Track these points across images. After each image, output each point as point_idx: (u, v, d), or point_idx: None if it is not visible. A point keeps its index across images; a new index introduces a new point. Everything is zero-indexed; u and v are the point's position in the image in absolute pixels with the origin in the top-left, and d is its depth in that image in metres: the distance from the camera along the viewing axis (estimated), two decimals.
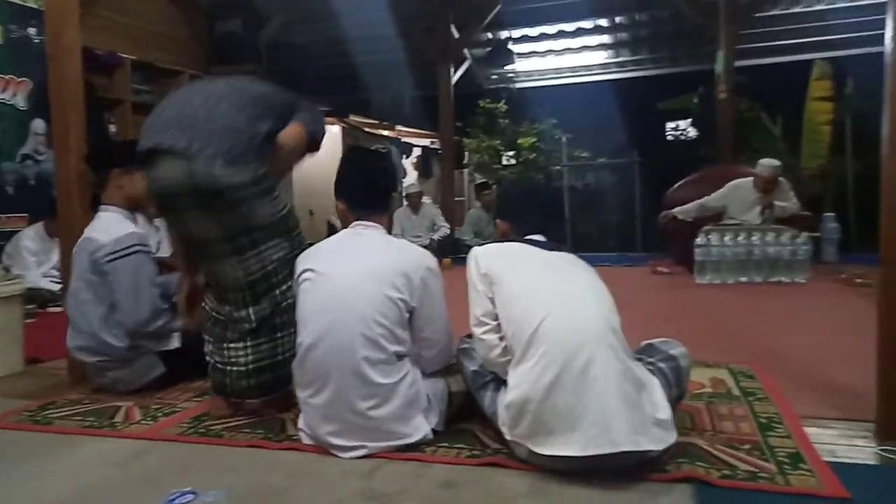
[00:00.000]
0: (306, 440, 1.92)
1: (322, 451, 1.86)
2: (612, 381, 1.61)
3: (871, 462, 1.75)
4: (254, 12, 7.15)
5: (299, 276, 1.96)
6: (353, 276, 1.87)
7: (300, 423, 1.96)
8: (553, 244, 1.93)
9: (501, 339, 1.81)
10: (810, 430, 1.92)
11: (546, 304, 1.72)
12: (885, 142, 1.81)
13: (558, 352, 1.64)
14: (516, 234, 1.99)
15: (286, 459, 1.84)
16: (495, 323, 1.82)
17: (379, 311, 1.82)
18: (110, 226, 2.46)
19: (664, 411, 1.68)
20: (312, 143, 2.23)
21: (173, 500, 1.57)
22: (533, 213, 2.01)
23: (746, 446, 1.81)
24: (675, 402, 1.84)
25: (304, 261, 1.99)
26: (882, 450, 1.79)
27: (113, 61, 5.87)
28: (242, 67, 7.12)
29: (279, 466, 1.79)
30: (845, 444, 1.84)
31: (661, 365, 1.84)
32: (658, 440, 1.63)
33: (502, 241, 1.98)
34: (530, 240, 1.93)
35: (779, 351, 2.86)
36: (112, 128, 5.88)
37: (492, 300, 1.82)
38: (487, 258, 1.87)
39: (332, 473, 1.74)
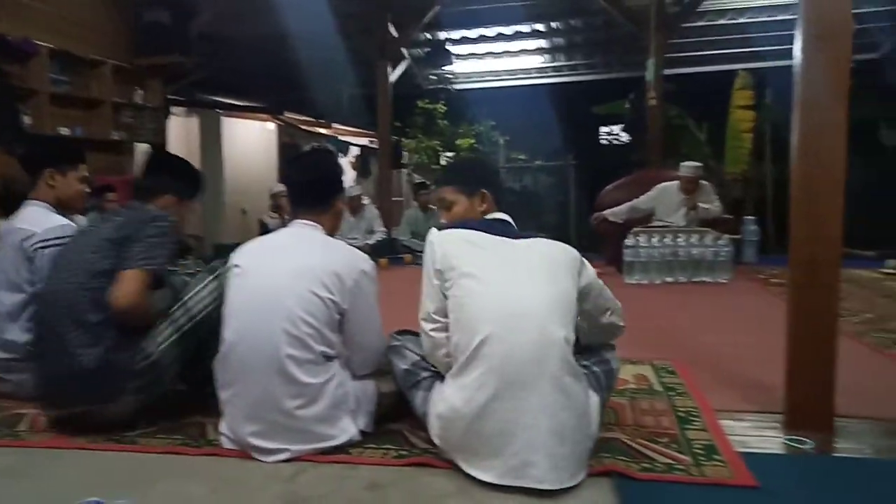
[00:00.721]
0: (228, 444, 1.86)
1: (244, 455, 1.80)
2: (546, 414, 1.55)
3: (779, 451, 1.84)
4: (183, 2, 6.89)
5: (228, 270, 1.93)
6: (281, 273, 1.83)
7: (221, 427, 1.89)
8: (517, 231, 1.82)
9: (449, 338, 1.74)
10: (725, 423, 2.00)
11: (490, 322, 1.62)
12: (794, 150, 1.90)
13: (495, 377, 1.58)
14: (494, 205, 1.92)
15: (205, 466, 1.77)
16: (446, 321, 1.74)
17: (306, 310, 1.78)
18: (40, 217, 2.39)
19: (591, 438, 1.66)
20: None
21: None
22: (501, 187, 1.99)
23: (665, 439, 1.87)
24: (604, 403, 1.87)
25: (236, 256, 1.94)
26: (788, 440, 1.89)
27: (27, 49, 5.52)
28: (169, 59, 6.85)
29: (197, 473, 1.72)
30: (756, 436, 1.93)
31: (595, 368, 1.85)
32: (576, 476, 1.59)
33: (463, 225, 1.82)
34: (499, 221, 1.83)
35: (699, 348, 2.98)
36: (27, 119, 5.54)
37: (446, 295, 1.73)
38: (444, 250, 1.75)
39: (254, 479, 1.68)
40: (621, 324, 1.91)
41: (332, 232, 2.02)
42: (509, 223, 1.85)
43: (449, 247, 1.76)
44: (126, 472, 1.74)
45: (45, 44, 5.68)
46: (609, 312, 1.86)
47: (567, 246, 1.79)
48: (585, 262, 1.78)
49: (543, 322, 1.61)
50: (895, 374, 2.55)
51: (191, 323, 2.01)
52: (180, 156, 2.40)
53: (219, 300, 1.98)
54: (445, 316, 1.75)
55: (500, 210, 1.92)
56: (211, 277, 2.07)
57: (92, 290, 1.95)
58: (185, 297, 2.04)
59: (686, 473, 1.66)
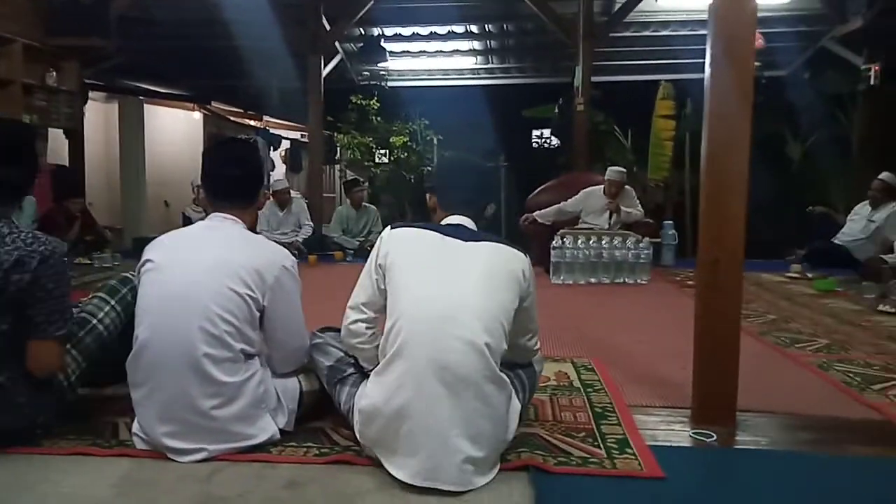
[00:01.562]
0: (140, 445, 1.79)
1: (158, 456, 1.75)
2: (464, 420, 1.57)
3: (685, 444, 1.94)
4: None
5: (141, 266, 1.85)
6: (197, 269, 1.77)
7: (134, 427, 1.82)
8: (467, 232, 1.78)
9: (369, 329, 1.79)
10: (637, 418, 2.10)
11: (417, 321, 1.63)
12: (703, 159, 2.02)
13: (415, 377, 1.59)
14: (443, 209, 1.88)
15: (116, 466, 1.70)
16: (372, 315, 1.78)
17: (224, 307, 1.74)
18: None
19: (506, 442, 1.69)
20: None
21: None
22: (458, 190, 1.90)
23: (582, 434, 1.94)
24: (526, 404, 1.91)
25: (149, 250, 1.86)
26: (695, 433, 2.00)
27: None
28: (86, 41, 6.49)
29: (106, 474, 1.65)
30: (665, 430, 2.03)
31: (520, 371, 1.87)
32: (487, 475, 1.62)
33: (417, 225, 1.80)
34: (449, 226, 1.80)
35: (617, 346, 3.10)
36: None
37: (384, 291, 1.74)
38: (389, 247, 1.75)
39: (167, 480, 1.63)
40: (537, 348, 1.92)
41: (251, 225, 1.97)
42: (462, 226, 1.80)
43: (394, 244, 1.76)
44: (28, 474, 1.65)
45: None
46: (530, 336, 1.86)
47: (520, 255, 1.76)
48: (531, 277, 1.75)
49: (470, 327, 1.60)
50: (793, 372, 2.73)
51: (99, 349, 1.93)
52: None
53: (125, 321, 1.91)
54: (374, 310, 1.77)
55: (458, 212, 1.85)
56: (113, 302, 1.97)
57: None
58: (92, 324, 1.92)
59: (599, 466, 1.73)
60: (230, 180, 1.93)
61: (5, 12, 6.05)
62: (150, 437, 1.76)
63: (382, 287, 1.74)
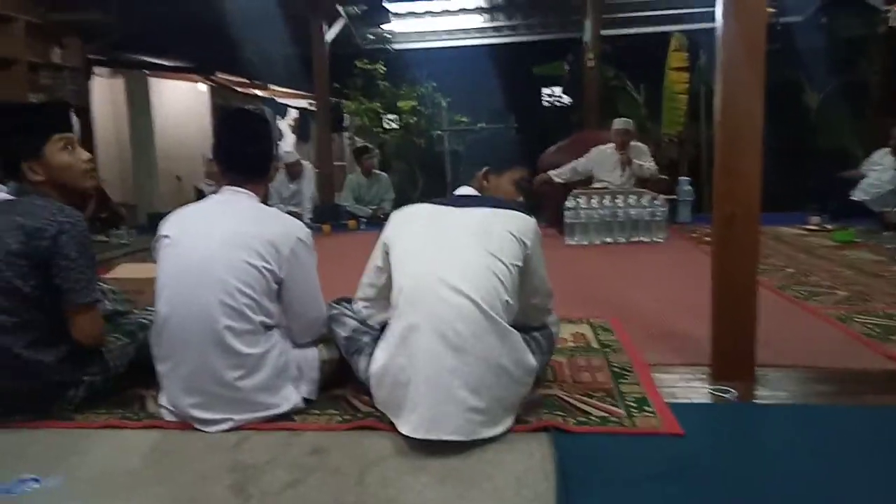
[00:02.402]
0: (168, 417, 1.83)
1: (186, 426, 1.79)
2: (462, 368, 1.60)
3: (705, 401, 1.95)
4: None
5: (156, 242, 1.87)
6: (212, 242, 1.78)
7: (161, 400, 1.86)
8: (470, 199, 1.88)
9: (374, 308, 1.95)
10: (656, 376, 2.11)
11: (409, 278, 1.72)
12: (716, 111, 1.97)
13: (412, 335, 1.64)
14: (459, 181, 1.99)
15: (145, 438, 1.75)
16: (372, 293, 1.93)
17: (242, 280, 1.75)
18: None
19: (517, 393, 1.70)
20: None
21: (9, 488, 1.45)
22: (466, 162, 2.02)
23: (601, 394, 1.96)
24: (544, 365, 1.96)
25: (164, 226, 1.88)
26: (714, 390, 2.00)
27: None
28: (87, 16, 6.42)
29: (137, 445, 1.70)
30: (684, 387, 2.04)
31: (536, 334, 1.91)
32: (498, 425, 1.65)
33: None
34: (453, 196, 1.93)
35: (634, 305, 3.10)
36: None
37: (385, 269, 1.85)
38: (391, 225, 1.88)
39: (196, 449, 1.67)
40: (549, 307, 1.97)
41: (263, 199, 1.97)
42: (465, 195, 1.93)
43: (395, 221, 1.89)
44: (62, 448, 1.69)
45: None
46: (540, 297, 1.90)
47: (520, 215, 1.81)
48: (535, 237, 1.80)
49: (461, 283, 1.65)
50: (812, 326, 2.72)
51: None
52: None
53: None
54: (375, 295, 1.92)
55: (464, 183, 1.98)
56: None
57: (19, 315, 1.78)
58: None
59: (619, 425, 1.74)
60: (245, 155, 1.92)
61: None
62: (177, 408, 1.80)
63: (381, 265, 1.87)
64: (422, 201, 1.94)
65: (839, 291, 3.23)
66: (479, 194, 1.93)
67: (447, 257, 1.71)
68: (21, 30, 5.97)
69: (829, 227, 5.26)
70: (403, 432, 1.64)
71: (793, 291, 3.26)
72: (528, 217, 1.82)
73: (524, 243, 1.76)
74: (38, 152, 1.86)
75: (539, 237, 1.83)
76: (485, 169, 1.97)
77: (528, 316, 1.88)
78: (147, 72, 8.88)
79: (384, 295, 1.87)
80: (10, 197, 1.87)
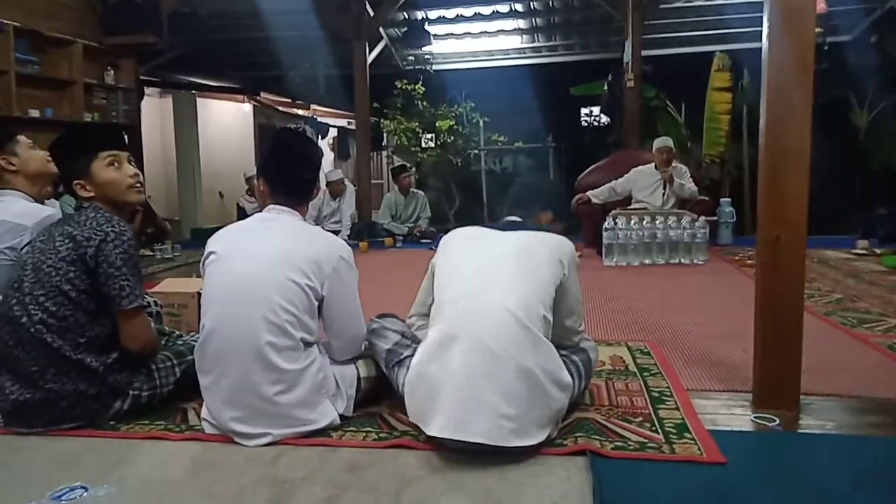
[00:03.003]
0: (209, 430, 1.87)
1: (226, 440, 1.83)
2: (494, 374, 1.63)
3: (747, 429, 1.90)
4: None
5: (206, 258, 1.92)
6: (258, 259, 1.83)
7: (203, 413, 1.91)
8: (512, 224, 2.01)
9: (417, 323, 2.07)
10: (696, 402, 2.06)
11: (455, 287, 1.80)
12: (762, 134, 1.94)
13: (449, 338, 1.70)
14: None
15: (187, 450, 1.79)
16: (423, 311, 2.02)
17: (285, 297, 1.79)
18: (11, 207, 2.38)
19: (550, 407, 1.70)
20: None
21: (60, 495, 1.50)
22: (508, 200, 2.17)
23: (639, 419, 1.92)
24: (581, 392, 1.97)
25: (212, 243, 1.94)
26: (756, 417, 1.95)
27: None
28: (140, 39, 6.70)
29: (179, 457, 1.74)
30: (725, 414, 1.99)
31: (574, 357, 1.93)
32: (530, 437, 1.65)
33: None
34: (503, 221, 2.06)
35: (673, 329, 3.04)
36: None
37: (429, 288, 1.96)
38: (443, 244, 1.98)
39: (235, 462, 1.71)
40: (581, 329, 2.03)
41: (304, 216, 2.03)
42: (508, 220, 2.07)
43: (443, 245, 1.98)
44: (108, 457, 1.75)
45: (10, 22, 5.52)
46: (575, 317, 1.97)
47: (559, 238, 1.93)
48: (571, 260, 1.88)
49: (502, 296, 1.73)
50: (859, 353, 2.62)
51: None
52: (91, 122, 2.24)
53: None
54: (428, 310, 1.95)
55: (509, 213, 2.15)
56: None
57: (51, 315, 1.86)
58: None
59: (658, 451, 1.71)
60: (296, 178, 1.98)
61: (65, 15, 6.31)
62: (217, 421, 1.84)
63: (429, 284, 1.96)
64: (458, 219, 2.11)
65: (889, 318, 3.12)
66: (521, 220, 2.05)
67: (488, 272, 1.80)
68: (79, 53, 6.26)
69: (877, 251, 5.09)
70: (430, 433, 1.66)
71: (840, 317, 3.16)
72: (565, 240, 1.92)
73: (562, 263, 1.85)
74: (86, 170, 1.98)
75: (576, 260, 1.92)
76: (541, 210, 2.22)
77: (561, 336, 1.94)
78: (195, 92, 9.18)
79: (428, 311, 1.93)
80: (55, 212, 2.09)
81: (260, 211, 2.02)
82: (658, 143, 5.64)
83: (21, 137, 2.48)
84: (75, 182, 1.99)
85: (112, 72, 6.81)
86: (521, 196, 2.19)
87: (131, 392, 1.95)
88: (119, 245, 1.89)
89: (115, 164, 2.01)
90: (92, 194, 1.99)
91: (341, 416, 1.91)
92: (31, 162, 2.45)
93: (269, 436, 1.79)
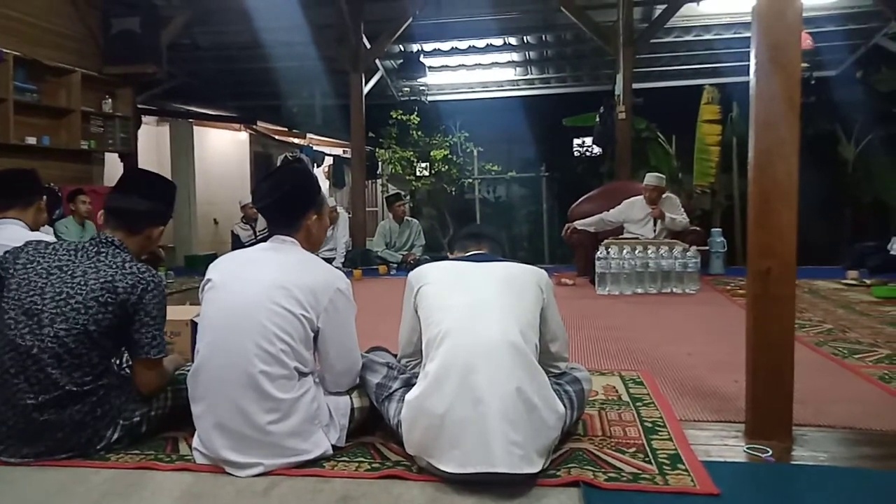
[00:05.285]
0: (200, 459, 1.85)
1: (217, 470, 1.80)
2: (498, 401, 1.64)
3: (740, 460, 1.90)
4: (153, 10, 6.83)
5: (204, 284, 1.93)
6: (254, 288, 1.83)
7: (194, 442, 1.89)
8: (484, 256, 2.01)
9: (410, 362, 2.05)
10: (689, 433, 2.06)
11: (449, 319, 1.79)
12: (751, 167, 1.98)
13: (448, 370, 1.70)
14: (460, 251, 2.10)
15: (178, 480, 1.77)
16: (411, 350, 2.01)
17: (280, 326, 1.79)
18: (18, 234, 2.47)
19: (547, 437, 1.71)
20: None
21: None
22: (466, 237, 2.14)
23: (632, 449, 1.92)
24: (574, 423, 1.97)
25: (211, 270, 1.95)
26: (749, 448, 1.95)
27: None
28: (140, 68, 6.78)
29: (169, 488, 1.72)
30: (718, 444, 1.99)
31: (568, 388, 1.94)
32: (534, 464, 1.66)
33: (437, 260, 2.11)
34: (467, 255, 2.04)
35: (666, 358, 3.05)
36: None
37: (413, 327, 1.94)
38: (417, 281, 1.95)
39: (226, 493, 1.69)
40: (565, 355, 2.05)
41: (312, 246, 2.01)
42: (480, 253, 2.04)
43: (420, 277, 1.96)
44: (97, 488, 1.73)
45: (10, 51, 5.59)
46: (558, 343, 1.99)
47: (534, 268, 1.97)
48: (548, 287, 1.94)
49: (498, 321, 1.76)
50: (851, 384, 2.63)
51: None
52: (161, 175, 2.24)
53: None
54: (416, 346, 1.94)
55: (474, 248, 2.09)
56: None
57: (67, 351, 1.83)
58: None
59: (651, 482, 1.70)
60: (273, 205, 1.98)
61: (66, 45, 6.39)
62: (209, 450, 1.82)
63: (413, 324, 1.94)
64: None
65: (880, 349, 3.14)
66: (485, 253, 2.04)
67: (480, 303, 1.81)
68: (78, 82, 6.32)
69: (867, 281, 5.13)
70: (449, 471, 1.65)
71: (831, 348, 3.18)
72: (538, 268, 1.98)
73: (541, 289, 1.90)
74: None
75: (551, 286, 1.96)
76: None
77: (547, 363, 1.95)
78: (192, 120, 9.26)
79: (420, 348, 1.90)
80: (46, 238, 2.13)
81: (257, 240, 2.04)
82: (648, 179, 5.66)
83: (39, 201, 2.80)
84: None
85: (110, 100, 6.88)
86: (470, 233, 2.16)
87: (121, 421, 1.94)
88: (157, 295, 1.92)
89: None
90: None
91: (334, 447, 1.89)
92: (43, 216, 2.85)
93: (260, 466, 1.78)
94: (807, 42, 6.67)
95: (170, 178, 8.31)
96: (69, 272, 1.89)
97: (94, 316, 1.85)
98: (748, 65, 1.99)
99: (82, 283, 1.87)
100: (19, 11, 5.88)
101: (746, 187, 2.06)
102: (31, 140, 5.84)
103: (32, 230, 2.68)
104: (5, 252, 2.01)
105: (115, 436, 1.93)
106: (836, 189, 8.45)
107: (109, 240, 1.96)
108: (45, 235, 2.51)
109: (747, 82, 2.00)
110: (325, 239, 2.15)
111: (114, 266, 1.90)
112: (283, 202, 1.98)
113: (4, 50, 5.54)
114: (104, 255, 1.93)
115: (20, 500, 1.68)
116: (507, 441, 1.62)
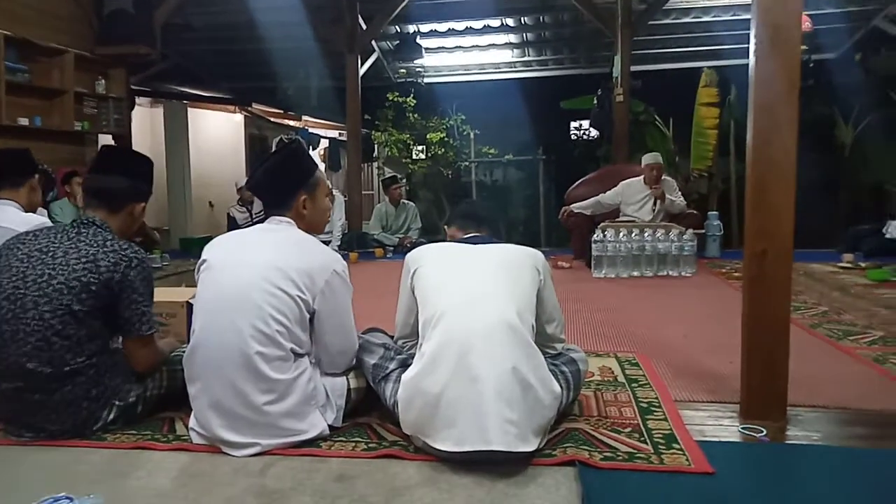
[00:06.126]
0: (197, 439, 1.86)
1: (214, 450, 1.81)
2: (493, 380, 1.65)
3: (735, 439, 1.92)
4: None
5: (200, 265, 1.93)
6: (249, 269, 1.83)
7: (190, 422, 1.89)
8: (482, 238, 1.99)
9: (407, 343, 2.03)
10: (684, 413, 2.08)
11: (445, 299, 1.79)
12: (749, 149, 1.98)
13: (445, 349, 1.70)
14: (459, 230, 2.08)
15: (174, 460, 1.78)
16: (408, 331, 1.99)
17: (276, 307, 1.79)
18: (14, 216, 2.49)
19: (543, 416, 1.72)
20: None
21: None
22: (464, 217, 2.11)
23: (628, 429, 1.93)
24: (570, 403, 1.98)
25: (207, 251, 1.94)
26: (744, 428, 1.96)
27: None
28: (134, 49, 6.70)
29: (166, 467, 1.73)
30: (713, 424, 2.01)
31: (564, 369, 1.95)
32: (529, 443, 1.67)
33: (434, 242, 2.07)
34: (464, 237, 2.02)
35: (662, 340, 3.06)
36: None
37: (410, 307, 1.93)
38: (414, 262, 1.94)
39: (223, 472, 1.70)
40: (562, 336, 2.06)
41: (308, 227, 2.00)
42: (477, 235, 2.03)
43: (418, 258, 1.95)
44: (94, 467, 1.73)
45: (1, 31, 5.51)
46: (554, 324, 2.00)
47: (531, 250, 1.97)
48: (545, 268, 1.93)
49: (495, 302, 1.76)
50: (845, 365, 2.65)
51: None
52: (137, 151, 2.27)
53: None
54: (413, 329, 1.94)
55: (472, 230, 2.06)
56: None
57: (55, 333, 1.83)
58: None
59: (647, 461, 1.72)
60: (262, 187, 2.00)
61: (58, 25, 6.30)
62: (205, 430, 1.82)
63: (409, 304, 1.94)
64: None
65: (874, 331, 3.16)
66: (484, 235, 2.03)
67: (476, 284, 1.82)
68: (71, 62, 6.25)
69: (862, 264, 5.15)
70: (445, 449, 1.66)
71: (825, 330, 3.20)
72: (536, 251, 1.97)
73: (538, 270, 1.90)
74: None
75: (548, 268, 1.96)
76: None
77: (544, 344, 1.96)
78: (186, 102, 9.18)
79: (416, 329, 1.90)
80: (46, 221, 2.14)
81: (253, 222, 2.04)
82: (647, 158, 5.67)
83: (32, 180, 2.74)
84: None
85: (103, 81, 6.80)
86: (471, 213, 2.13)
87: (116, 402, 1.94)
88: (142, 271, 1.92)
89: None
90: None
91: (330, 427, 1.90)
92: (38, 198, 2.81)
93: (257, 446, 1.78)
94: (806, 24, 6.63)
95: (165, 160, 8.28)
96: (50, 254, 1.88)
97: (77, 295, 1.84)
98: (747, 47, 1.98)
99: (63, 263, 1.86)
100: None
101: (744, 171, 2.05)
102: (24, 121, 5.78)
103: (27, 211, 2.65)
104: None
105: (111, 416, 1.93)
106: (833, 172, 8.45)
107: (91, 220, 1.95)
108: (40, 218, 2.49)
109: (746, 65, 1.99)
110: (325, 221, 2.12)
111: (95, 245, 1.89)
112: (270, 180, 1.98)
113: None
114: (85, 234, 1.92)
115: (20, 479, 1.69)
116: (503, 419, 1.63)
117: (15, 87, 5.69)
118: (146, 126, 9.09)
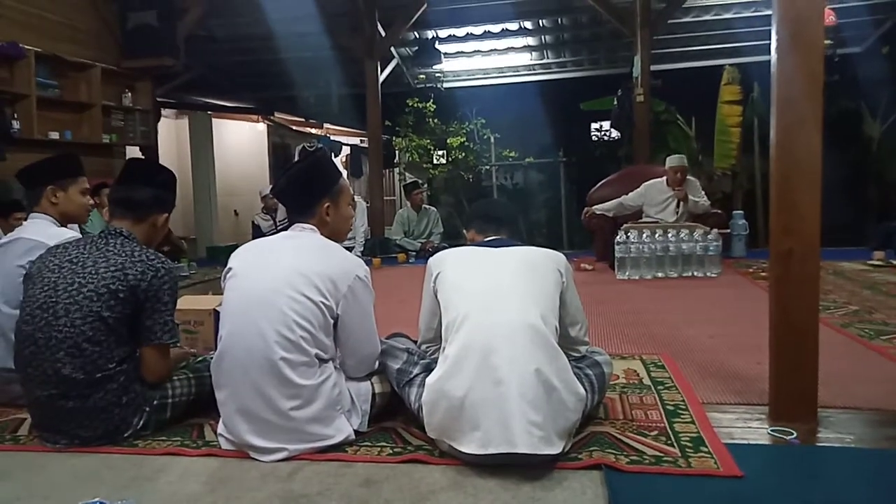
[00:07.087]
0: (225, 445, 1.89)
1: (242, 455, 1.84)
2: (517, 382, 1.65)
3: (764, 442, 1.88)
4: (170, 4, 6.86)
5: (226, 273, 1.96)
6: (276, 276, 1.85)
7: (219, 428, 1.92)
8: (503, 241, 2.00)
9: (431, 347, 2.04)
10: (712, 415, 2.05)
11: (469, 302, 1.80)
12: (772, 146, 1.95)
13: (468, 351, 1.71)
14: (479, 234, 2.08)
15: (204, 465, 1.80)
16: (432, 336, 2.00)
17: (300, 313, 1.81)
18: (46, 230, 2.43)
19: (567, 419, 1.71)
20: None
21: None
22: (484, 219, 2.10)
23: (654, 432, 1.91)
24: (595, 406, 1.98)
25: (233, 258, 1.98)
26: (773, 430, 1.93)
27: (14, 53, 5.49)
28: (158, 62, 6.83)
29: (196, 473, 1.75)
30: (741, 427, 1.98)
31: (588, 371, 1.95)
32: (554, 445, 1.66)
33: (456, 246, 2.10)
34: (485, 241, 2.02)
35: (687, 342, 3.03)
36: (15, 123, 5.52)
37: (434, 312, 1.95)
38: (436, 266, 1.95)
39: (251, 477, 1.72)
40: (586, 339, 2.06)
41: (332, 234, 2.02)
42: (497, 238, 2.03)
43: (439, 262, 1.97)
44: (126, 473, 1.77)
45: (31, 47, 5.66)
46: (578, 326, 2.00)
47: (553, 252, 1.97)
48: (567, 271, 1.93)
49: (518, 304, 1.77)
50: (877, 365, 2.60)
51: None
52: (160, 163, 2.32)
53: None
54: (436, 331, 1.95)
55: (492, 233, 2.06)
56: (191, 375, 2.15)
57: (86, 339, 1.88)
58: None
59: (674, 465, 1.70)
60: (286, 193, 2.04)
61: (85, 40, 6.46)
62: (234, 435, 1.85)
63: (433, 308, 1.95)
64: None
65: None
66: (504, 238, 2.03)
67: (499, 287, 1.82)
68: (98, 76, 6.39)
69: (893, 262, 5.03)
70: (470, 451, 1.66)
71: (856, 329, 3.13)
72: (558, 253, 1.98)
73: (560, 273, 1.90)
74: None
75: (571, 270, 1.96)
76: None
77: (568, 347, 1.95)
78: (210, 112, 9.32)
79: (440, 333, 1.91)
80: (76, 234, 2.20)
81: (277, 230, 2.07)
82: (672, 160, 5.60)
83: (82, 179, 2.58)
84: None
85: (129, 94, 6.95)
86: (489, 215, 2.12)
87: (147, 408, 1.98)
88: (168, 281, 1.97)
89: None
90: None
91: (356, 432, 1.91)
92: (72, 205, 2.53)
93: (284, 451, 1.81)
94: (829, 17, 6.52)
95: (190, 170, 8.42)
96: (80, 264, 1.94)
97: (106, 302, 1.89)
98: (769, 43, 1.96)
99: (93, 272, 1.92)
100: (37, 7, 5.94)
101: (768, 169, 2.03)
102: (55, 135, 5.92)
103: (60, 225, 2.54)
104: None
105: (141, 422, 1.97)
106: (861, 168, 8.28)
107: (118, 230, 2.02)
108: (70, 231, 2.49)
109: (768, 61, 1.96)
110: (348, 229, 2.14)
111: (123, 254, 1.95)
112: (294, 188, 2.01)
113: (25, 46, 5.61)
114: (112, 244, 1.98)
115: (52, 484, 1.73)
116: (527, 421, 1.63)
117: (46, 102, 5.84)
118: (172, 137, 9.26)
